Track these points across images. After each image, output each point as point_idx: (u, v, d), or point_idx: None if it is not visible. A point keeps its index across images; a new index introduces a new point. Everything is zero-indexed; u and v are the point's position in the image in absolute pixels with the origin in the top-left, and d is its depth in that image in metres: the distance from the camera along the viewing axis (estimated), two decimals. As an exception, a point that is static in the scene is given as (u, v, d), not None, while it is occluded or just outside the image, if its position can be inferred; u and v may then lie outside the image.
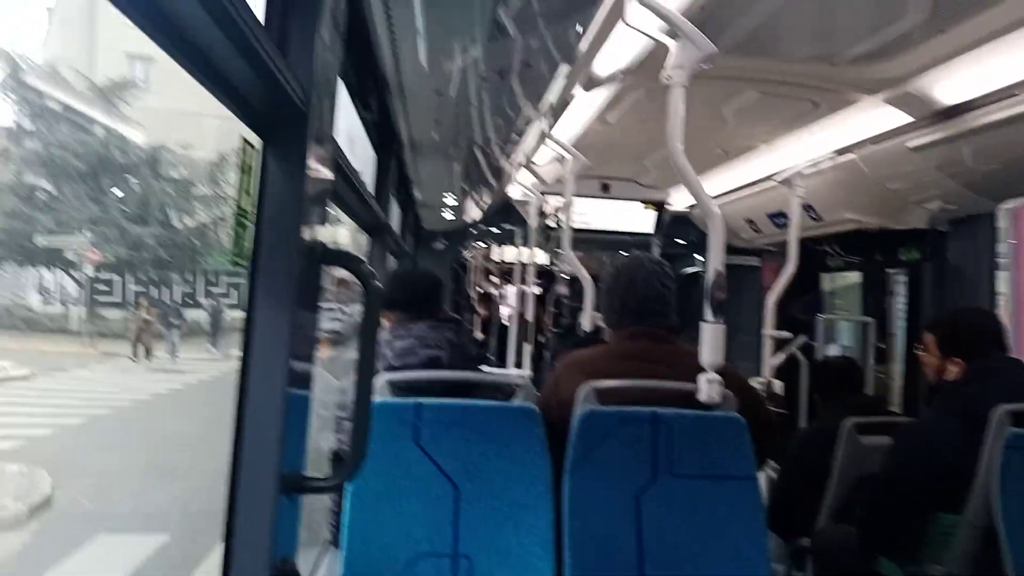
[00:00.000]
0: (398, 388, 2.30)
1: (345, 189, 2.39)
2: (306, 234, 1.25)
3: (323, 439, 2.63)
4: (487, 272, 10.79)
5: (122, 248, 20.42)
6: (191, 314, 21.81)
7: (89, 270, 20.23)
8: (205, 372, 17.67)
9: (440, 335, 2.48)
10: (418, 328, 2.48)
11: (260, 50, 0.96)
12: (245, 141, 1.20)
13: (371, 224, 3.47)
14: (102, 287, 21.19)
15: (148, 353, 19.07)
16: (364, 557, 2.15)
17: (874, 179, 3.49)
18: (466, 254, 9.90)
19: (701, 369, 2.16)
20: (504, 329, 8.60)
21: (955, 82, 2.68)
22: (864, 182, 3.55)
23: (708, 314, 2.16)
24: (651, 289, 2.42)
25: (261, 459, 1.24)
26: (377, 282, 1.38)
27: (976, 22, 2.26)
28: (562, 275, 10.94)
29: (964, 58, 2.50)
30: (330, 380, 3.85)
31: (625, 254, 2.57)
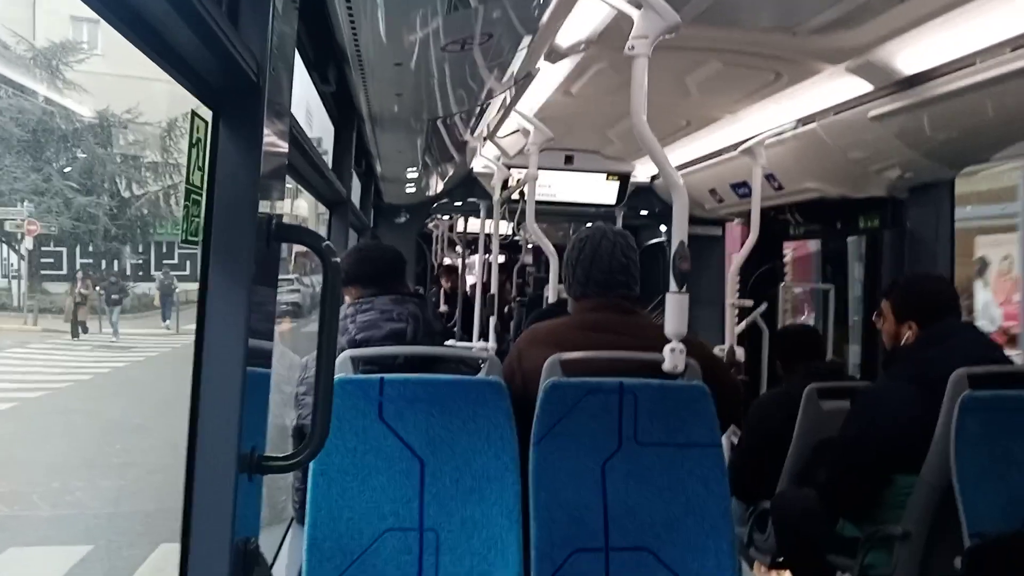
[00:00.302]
0: (361, 363, 2.28)
1: (303, 163, 2.35)
2: (262, 209, 1.22)
3: (285, 416, 2.61)
4: (451, 243, 10.74)
5: (67, 219, 19.26)
6: (144, 287, 20.86)
7: (29, 243, 18.83)
8: (155, 348, 16.60)
9: (404, 309, 2.45)
10: (380, 302, 2.46)
11: (208, 19, 0.93)
12: (195, 114, 1.17)
13: (331, 199, 3.42)
14: (46, 260, 19.86)
15: (83, 329, 17.70)
16: (329, 533, 2.14)
17: (835, 148, 3.52)
18: (430, 225, 9.83)
19: (665, 339, 2.17)
20: (469, 301, 8.60)
21: (916, 51, 2.70)
22: (825, 151, 3.58)
23: (672, 284, 2.16)
24: (614, 260, 2.42)
25: (219, 439, 1.21)
26: (336, 258, 1.35)
27: (936, -9, 2.27)
28: (527, 246, 10.95)
29: (925, 27, 2.52)
30: (292, 357, 3.81)
31: (590, 225, 2.57)
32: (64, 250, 20.32)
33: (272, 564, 2.68)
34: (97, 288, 18.98)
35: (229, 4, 1.12)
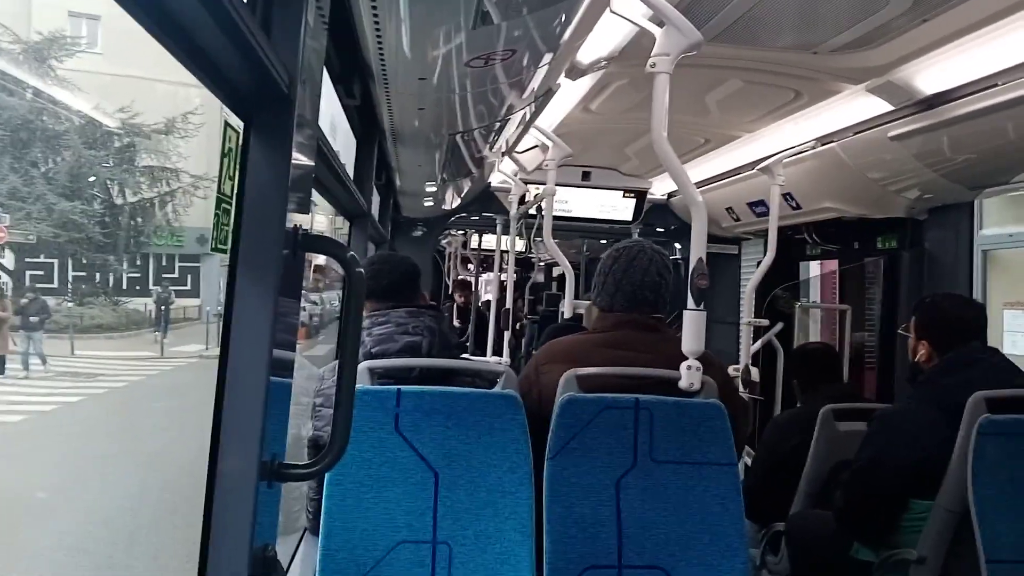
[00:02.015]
0: (376, 375, 2.28)
1: (327, 175, 2.37)
2: (289, 220, 1.24)
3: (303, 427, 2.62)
4: (464, 260, 10.77)
5: (47, 227, 16.53)
6: (139, 302, 18.29)
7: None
8: (131, 376, 13.49)
9: (420, 322, 2.46)
10: (396, 315, 2.46)
11: (244, 30, 0.95)
12: (227, 124, 1.19)
13: (352, 211, 3.45)
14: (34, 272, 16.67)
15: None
16: (343, 544, 2.15)
17: (854, 168, 3.52)
18: (443, 242, 9.85)
19: (683, 357, 2.17)
20: (482, 316, 8.60)
21: (936, 72, 2.70)
22: (844, 171, 3.57)
23: (690, 301, 2.16)
24: (647, 277, 2.40)
25: (242, 446, 1.22)
26: (360, 269, 1.37)
27: (957, 12, 2.28)
28: (540, 263, 10.96)
29: (945, 48, 2.52)
30: (310, 368, 3.83)
31: (604, 242, 2.57)
32: (53, 261, 17.45)
33: (286, 574, 2.68)
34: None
35: (263, 16, 1.14)
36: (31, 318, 14.57)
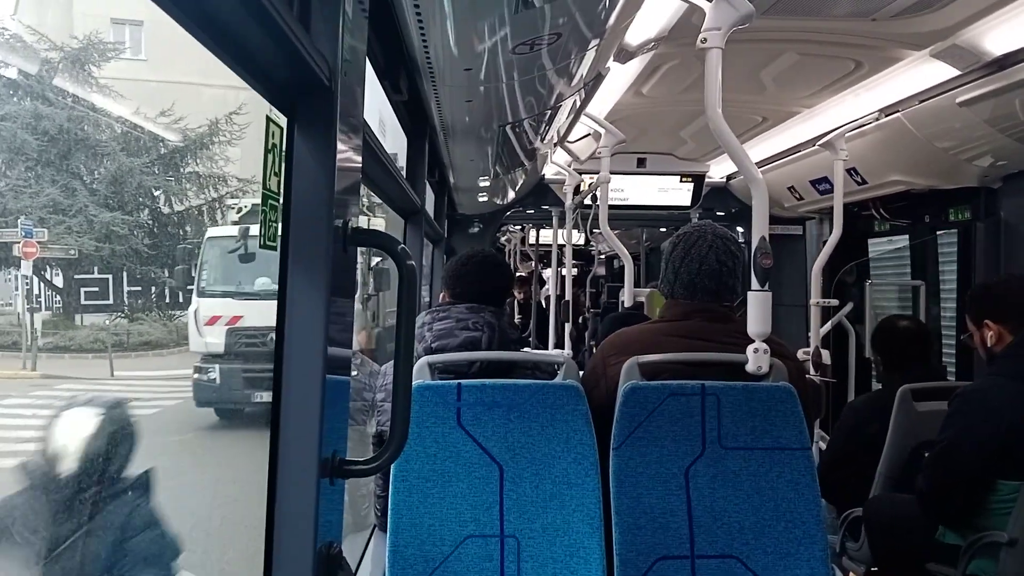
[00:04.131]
0: (437, 371, 2.28)
1: (377, 172, 2.37)
2: (338, 214, 1.23)
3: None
4: (524, 256, 10.77)
5: (89, 240, 15.18)
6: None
7: (27, 268, 14.06)
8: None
9: (479, 317, 2.44)
10: (457, 310, 2.46)
11: (281, 22, 0.93)
12: (269, 120, 1.18)
13: (405, 208, 3.45)
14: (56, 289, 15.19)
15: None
16: (411, 540, 2.15)
17: (921, 138, 3.38)
18: (501, 239, 9.85)
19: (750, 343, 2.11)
20: (543, 311, 8.59)
21: (1004, 31, 2.57)
22: (911, 141, 3.44)
23: (754, 282, 2.10)
24: (705, 264, 2.30)
25: (301, 444, 1.22)
26: (412, 262, 1.35)
27: (1027, -35, 2.16)
28: (599, 255, 10.88)
29: (1014, 5, 2.39)
30: (372, 365, 3.86)
31: (663, 230, 2.52)
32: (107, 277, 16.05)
33: (356, 571, 2.70)
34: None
35: (300, 9, 1.13)
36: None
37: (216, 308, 9.80)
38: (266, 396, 8.00)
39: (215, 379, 9.20)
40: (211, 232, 11.18)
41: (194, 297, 10.28)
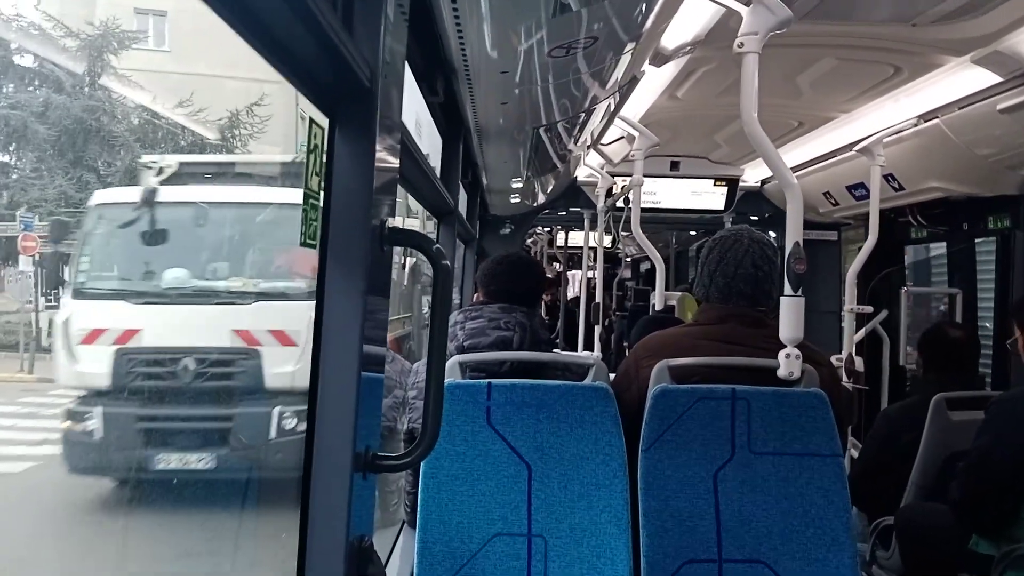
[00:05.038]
0: (468, 369, 2.30)
1: (413, 173, 2.39)
2: (376, 214, 1.25)
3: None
4: (551, 258, 10.78)
5: None
6: None
7: (26, 263, 14.02)
8: None
9: (511, 317, 2.46)
10: (489, 310, 2.48)
11: (326, 25, 0.96)
12: (312, 121, 1.21)
13: (440, 208, 3.48)
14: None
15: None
16: (440, 537, 2.17)
17: (960, 144, 3.34)
18: (528, 240, 9.84)
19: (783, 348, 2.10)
20: (571, 313, 8.58)
21: (1048, 38, 2.53)
22: (950, 148, 3.39)
23: (787, 287, 2.09)
24: (741, 268, 2.31)
25: (335, 439, 1.24)
26: (446, 261, 1.37)
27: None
28: (626, 258, 10.86)
29: (1058, 11, 2.36)
30: (403, 363, 3.89)
31: (693, 234, 2.52)
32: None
33: (384, 566, 2.73)
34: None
35: (344, 13, 1.16)
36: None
37: (100, 316, 6.03)
38: (175, 461, 5.64)
39: (95, 431, 5.68)
40: (100, 196, 7.11)
41: (66, 298, 6.44)
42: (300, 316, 5.78)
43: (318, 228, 1.24)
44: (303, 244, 1.21)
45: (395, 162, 1.42)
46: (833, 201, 4.83)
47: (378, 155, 1.24)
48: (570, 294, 10.02)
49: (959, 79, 2.99)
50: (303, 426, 3.89)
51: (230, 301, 6.21)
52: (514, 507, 2.19)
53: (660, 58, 2.76)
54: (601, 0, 1.82)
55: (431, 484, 2.19)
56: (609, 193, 5.05)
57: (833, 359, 3.62)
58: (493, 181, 4.80)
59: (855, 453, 3.72)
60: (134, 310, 6.11)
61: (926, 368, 3.34)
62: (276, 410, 5.96)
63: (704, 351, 2.26)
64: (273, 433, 5.97)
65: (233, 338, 6.15)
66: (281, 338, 6.08)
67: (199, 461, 5.82)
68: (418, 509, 2.20)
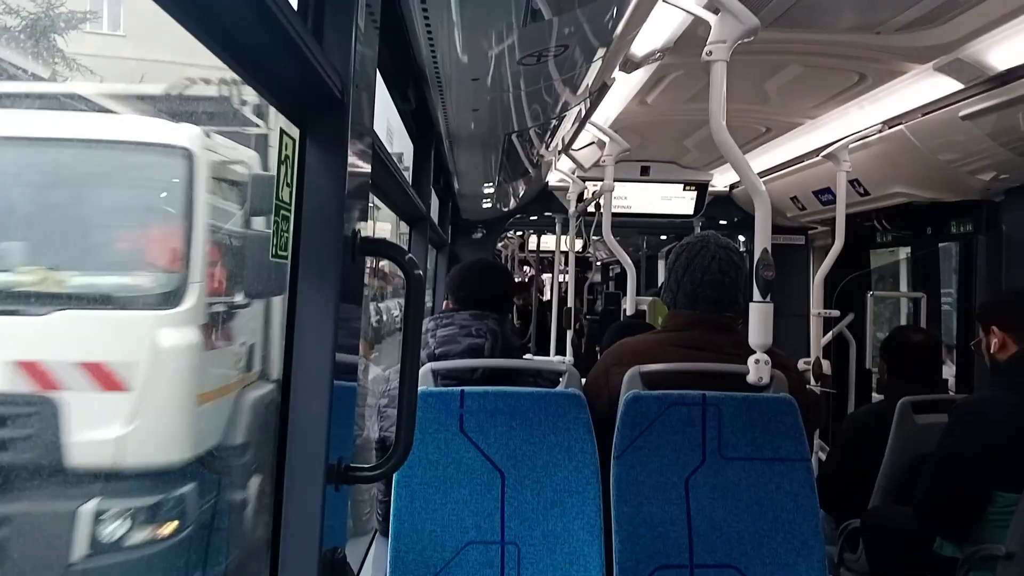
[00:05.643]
0: (440, 377, 2.29)
1: (385, 180, 2.39)
2: (348, 224, 1.25)
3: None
4: (522, 262, 10.81)
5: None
6: None
7: None
8: None
9: (483, 324, 2.46)
10: (461, 317, 2.47)
11: (295, 36, 0.95)
12: (283, 132, 1.20)
13: (412, 215, 3.47)
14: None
15: None
16: (413, 545, 2.16)
17: (924, 150, 3.40)
18: (499, 245, 9.85)
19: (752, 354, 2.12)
20: (543, 317, 8.62)
21: (1008, 46, 2.59)
22: (913, 154, 3.45)
23: (756, 294, 2.11)
24: (708, 273, 2.32)
25: (307, 450, 1.23)
26: (419, 271, 1.37)
27: (1030, -18, 2.18)
28: (596, 262, 10.92)
29: (1017, 20, 2.41)
30: (375, 370, 3.88)
31: (663, 238, 2.54)
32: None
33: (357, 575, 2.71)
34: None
35: (314, 22, 1.15)
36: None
37: None
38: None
39: None
40: None
41: None
42: (146, 335, 3.35)
43: (290, 239, 1.23)
44: (273, 256, 1.20)
45: (367, 171, 1.41)
46: (800, 206, 4.89)
47: (350, 165, 1.24)
48: (544, 297, 10.06)
49: (922, 86, 3.05)
50: (143, 534, 3.08)
51: (11, 310, 3.30)
52: (487, 515, 2.19)
53: (630, 65, 2.78)
54: (572, 9, 1.83)
55: (404, 493, 2.18)
56: (580, 198, 5.08)
57: (801, 362, 3.67)
58: (465, 186, 4.80)
59: (823, 456, 3.77)
60: None
61: (890, 373, 3.38)
62: (87, 507, 3.18)
63: (672, 357, 2.27)
64: (81, 548, 3.16)
65: (12, 375, 3.21)
66: (100, 376, 3.29)
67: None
68: (391, 518, 2.18)
